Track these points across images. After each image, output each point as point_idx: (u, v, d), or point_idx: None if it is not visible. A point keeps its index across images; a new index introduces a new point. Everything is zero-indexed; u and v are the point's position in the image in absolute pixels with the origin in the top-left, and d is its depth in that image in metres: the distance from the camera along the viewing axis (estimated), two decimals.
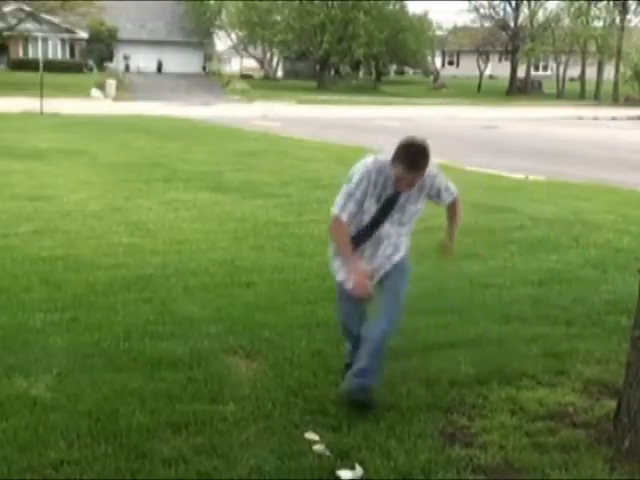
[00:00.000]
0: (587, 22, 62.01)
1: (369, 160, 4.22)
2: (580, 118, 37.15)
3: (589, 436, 3.99)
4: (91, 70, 58.25)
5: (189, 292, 6.48)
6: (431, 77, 74.07)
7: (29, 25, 52.07)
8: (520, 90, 64.19)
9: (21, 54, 57.42)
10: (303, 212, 10.24)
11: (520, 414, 4.25)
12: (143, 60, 63.82)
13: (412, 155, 4.08)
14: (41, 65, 29.52)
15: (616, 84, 60.45)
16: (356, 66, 69.08)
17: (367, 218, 4.23)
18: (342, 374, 4.48)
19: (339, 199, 4.21)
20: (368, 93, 56.37)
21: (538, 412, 4.28)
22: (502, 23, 65.67)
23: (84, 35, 59.22)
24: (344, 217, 4.18)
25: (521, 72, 66.70)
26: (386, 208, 4.22)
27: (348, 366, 4.45)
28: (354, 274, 4.18)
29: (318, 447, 3.79)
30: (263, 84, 59.53)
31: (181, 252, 7.86)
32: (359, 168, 4.22)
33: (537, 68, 75.02)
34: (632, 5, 62.02)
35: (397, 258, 4.32)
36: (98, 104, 37.19)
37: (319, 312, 5.91)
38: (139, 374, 4.68)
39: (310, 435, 3.90)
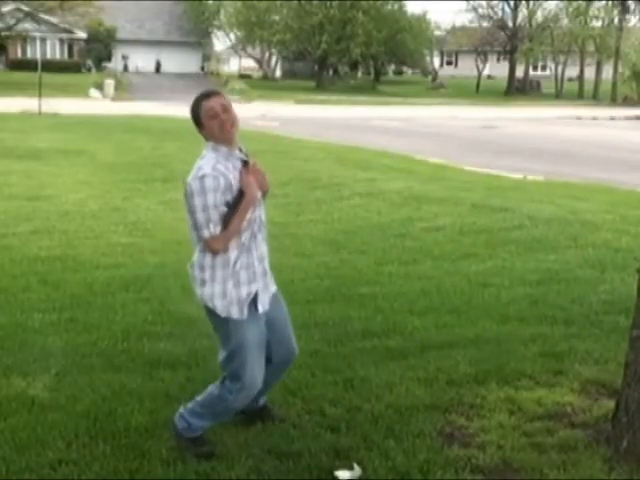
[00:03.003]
0: (586, 22, 62.01)
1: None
2: (579, 118, 37.17)
3: (587, 436, 3.99)
4: (89, 70, 58.23)
5: (187, 292, 6.42)
6: (429, 77, 74.11)
7: (27, 25, 52.02)
8: (519, 90, 64.21)
9: (19, 54, 57.42)
10: (301, 212, 10.24)
11: (518, 414, 4.25)
12: (141, 60, 63.82)
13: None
14: (39, 65, 29.50)
15: (614, 84, 60.47)
16: (354, 66, 69.06)
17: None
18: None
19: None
20: (366, 93, 56.37)
21: (536, 412, 4.28)
22: (500, 23, 65.67)
23: (82, 35, 59.20)
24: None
25: (519, 72, 66.69)
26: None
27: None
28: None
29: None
30: (261, 84, 59.51)
31: (180, 252, 7.84)
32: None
33: (536, 68, 75.05)
34: (631, 5, 62.04)
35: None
36: (96, 104, 37.16)
37: (317, 312, 5.92)
38: (137, 374, 4.68)
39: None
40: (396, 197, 11.40)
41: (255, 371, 3.67)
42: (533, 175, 14.68)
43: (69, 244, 8.14)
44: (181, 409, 3.87)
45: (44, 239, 8.31)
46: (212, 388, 3.81)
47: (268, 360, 3.80)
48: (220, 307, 3.66)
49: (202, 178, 3.51)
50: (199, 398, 3.84)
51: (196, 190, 3.52)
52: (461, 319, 5.88)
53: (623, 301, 6.01)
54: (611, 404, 4.11)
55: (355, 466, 3.64)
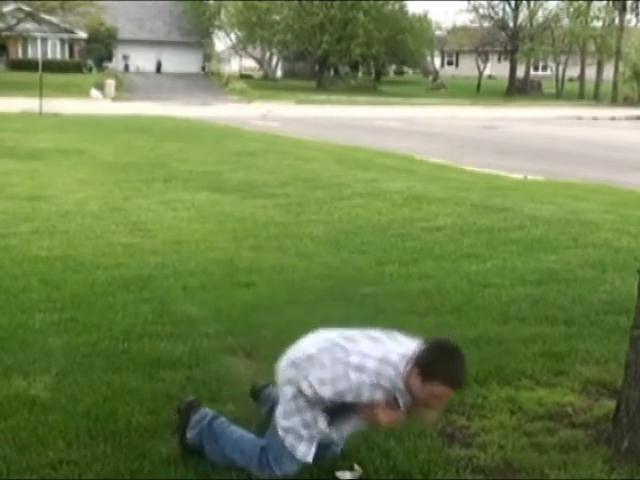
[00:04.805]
0: (586, 22, 62.06)
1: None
2: (579, 118, 37.20)
3: (588, 436, 3.99)
4: (90, 70, 58.27)
5: (188, 292, 6.47)
6: (430, 77, 74.12)
7: (28, 25, 52.11)
8: (519, 90, 64.24)
9: (20, 54, 57.48)
10: (302, 212, 10.23)
11: (519, 414, 4.25)
12: (142, 60, 63.89)
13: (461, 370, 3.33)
14: (40, 65, 29.52)
15: (615, 84, 60.49)
16: (355, 66, 69.10)
17: None
18: None
19: None
20: (367, 93, 56.37)
21: (537, 412, 4.28)
22: (501, 23, 65.74)
23: (83, 35, 59.26)
24: None
25: (520, 72, 66.73)
26: None
27: None
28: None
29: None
30: (262, 84, 59.52)
31: (180, 252, 7.86)
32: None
33: (536, 68, 75.08)
34: (632, 5, 62.04)
35: None
36: (97, 104, 37.19)
37: (318, 312, 5.91)
38: (138, 374, 4.67)
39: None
40: (397, 197, 11.40)
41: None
42: (533, 175, 14.68)
43: (70, 244, 8.14)
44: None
45: (45, 239, 8.30)
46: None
47: None
48: None
49: (351, 378, 3.33)
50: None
51: (344, 383, 3.34)
52: (462, 319, 5.88)
53: (624, 301, 6.00)
54: (612, 404, 4.11)
55: (356, 466, 3.63)
